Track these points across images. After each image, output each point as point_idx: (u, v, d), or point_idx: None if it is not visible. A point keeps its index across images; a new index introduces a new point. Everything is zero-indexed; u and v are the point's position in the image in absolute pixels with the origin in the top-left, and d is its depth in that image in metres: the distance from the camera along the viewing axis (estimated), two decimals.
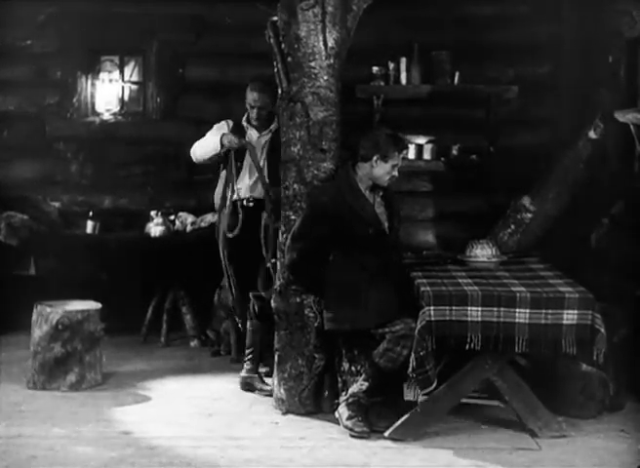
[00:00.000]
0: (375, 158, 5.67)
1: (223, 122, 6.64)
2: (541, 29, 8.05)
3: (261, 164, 6.45)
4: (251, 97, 6.53)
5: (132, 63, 8.51)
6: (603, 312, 5.38)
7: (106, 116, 8.46)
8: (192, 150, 6.63)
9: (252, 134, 6.55)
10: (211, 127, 6.72)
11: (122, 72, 8.51)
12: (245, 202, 6.46)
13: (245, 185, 6.48)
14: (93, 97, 8.48)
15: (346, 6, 5.85)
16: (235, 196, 6.46)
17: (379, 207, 5.80)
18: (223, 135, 6.42)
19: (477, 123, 7.99)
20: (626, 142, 6.85)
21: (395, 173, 5.72)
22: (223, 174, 6.55)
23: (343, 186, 5.72)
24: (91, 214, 8.06)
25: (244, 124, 6.58)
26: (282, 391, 5.97)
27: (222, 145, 6.39)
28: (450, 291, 5.41)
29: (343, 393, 5.74)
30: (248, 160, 6.45)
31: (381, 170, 5.69)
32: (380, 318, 5.55)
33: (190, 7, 8.19)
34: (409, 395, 5.60)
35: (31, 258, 7.81)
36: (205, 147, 6.52)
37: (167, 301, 7.66)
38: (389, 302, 5.60)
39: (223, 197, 6.52)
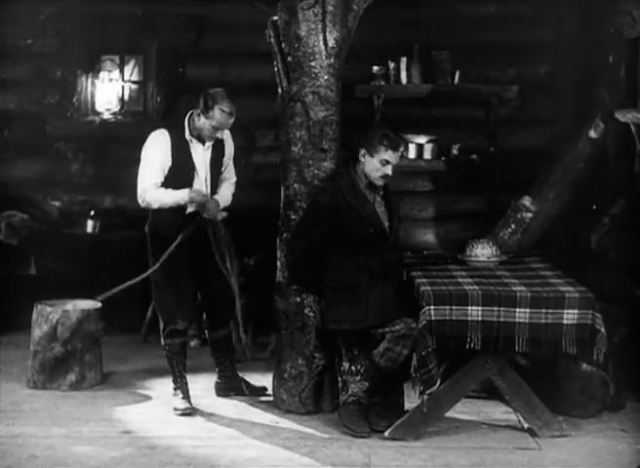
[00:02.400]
0: (362, 152, 5.67)
1: (164, 135, 5.87)
2: (542, 29, 8.05)
3: (206, 176, 5.98)
4: (223, 119, 5.79)
5: (132, 63, 8.51)
6: (603, 312, 5.38)
7: (107, 115, 8.46)
8: (158, 203, 5.88)
9: (197, 148, 5.92)
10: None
11: (122, 71, 8.51)
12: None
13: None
14: (93, 96, 8.48)
15: (347, 5, 5.86)
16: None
17: (379, 206, 5.80)
18: (192, 192, 5.86)
19: (477, 123, 7.98)
20: (626, 142, 6.85)
21: (387, 170, 5.68)
22: None
23: (344, 186, 5.71)
24: (91, 213, 8.06)
25: (188, 138, 5.88)
26: (282, 391, 5.97)
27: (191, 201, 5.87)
28: (450, 290, 5.41)
29: (343, 393, 5.73)
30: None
31: (370, 165, 5.68)
32: (380, 318, 5.54)
33: (190, 6, 8.19)
34: (411, 395, 5.59)
35: (31, 258, 7.81)
36: (175, 202, 5.88)
37: None
38: (389, 302, 5.59)
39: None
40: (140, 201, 5.95)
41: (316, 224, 5.68)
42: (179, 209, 5.91)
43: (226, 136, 6.08)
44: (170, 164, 5.88)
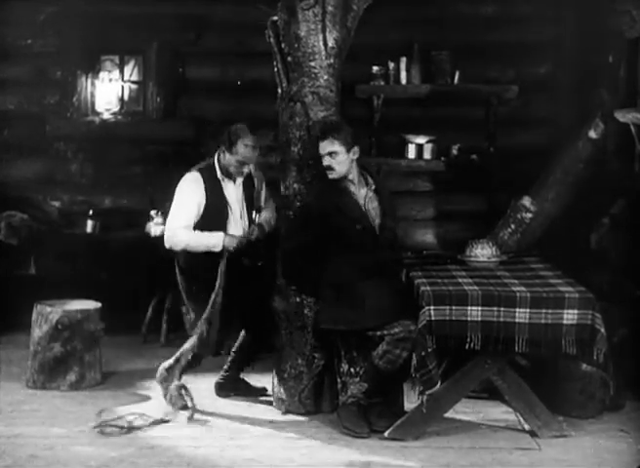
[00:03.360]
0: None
1: (197, 178, 5.99)
2: (542, 29, 8.05)
3: (241, 213, 6.11)
4: (247, 153, 5.96)
5: (132, 63, 8.51)
6: (603, 312, 5.38)
7: (106, 115, 8.46)
8: (184, 243, 5.94)
9: (229, 187, 6.06)
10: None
11: (122, 72, 8.51)
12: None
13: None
14: (93, 96, 8.48)
15: (347, 6, 5.86)
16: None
17: (371, 202, 5.77)
18: (227, 237, 5.92)
19: (477, 123, 7.99)
20: (626, 142, 6.85)
21: (325, 161, 5.66)
22: None
23: (327, 185, 5.71)
24: (91, 213, 8.05)
25: (219, 177, 6.01)
26: (282, 391, 5.97)
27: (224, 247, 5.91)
28: (450, 290, 5.41)
29: (343, 393, 5.73)
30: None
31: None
32: (377, 319, 5.51)
33: (190, 6, 8.19)
34: (412, 395, 5.59)
35: (31, 258, 7.81)
36: (204, 246, 5.93)
37: (167, 301, 7.66)
38: (386, 303, 5.56)
39: None
40: (166, 242, 6.01)
41: (303, 226, 5.68)
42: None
43: (253, 169, 6.16)
44: (204, 206, 5.96)
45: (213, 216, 5.99)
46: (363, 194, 5.76)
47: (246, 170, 6.04)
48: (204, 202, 5.98)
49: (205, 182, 5.98)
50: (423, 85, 7.89)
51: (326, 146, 5.65)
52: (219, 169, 6.04)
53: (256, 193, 6.19)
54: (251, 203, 6.16)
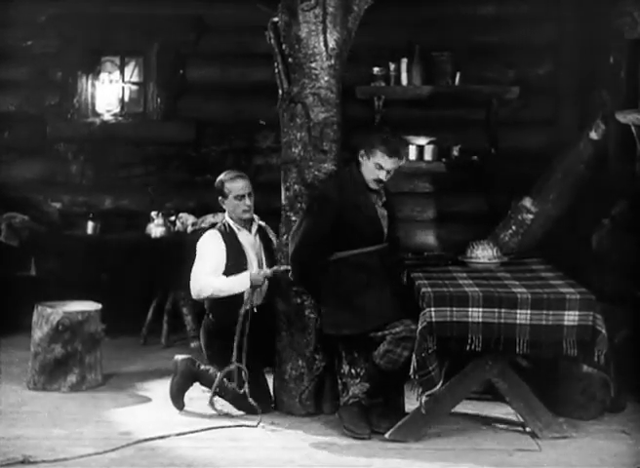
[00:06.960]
0: (361, 152, 5.64)
1: (214, 233, 5.99)
2: (542, 30, 8.06)
3: (259, 262, 6.07)
4: (237, 185, 5.99)
5: (132, 64, 8.51)
6: (604, 313, 5.38)
7: (107, 117, 8.47)
8: (211, 288, 5.83)
9: (243, 235, 6.06)
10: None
11: (122, 73, 8.52)
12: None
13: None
14: (93, 97, 8.48)
15: (347, 7, 5.86)
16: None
17: (382, 209, 5.77)
18: (252, 274, 5.84)
19: (478, 124, 7.99)
20: (627, 143, 6.85)
21: (380, 175, 5.59)
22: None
23: (347, 182, 5.68)
24: (91, 214, 8.06)
25: (235, 228, 6.02)
26: (283, 392, 5.96)
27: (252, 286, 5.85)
28: (451, 292, 5.40)
29: (344, 394, 5.73)
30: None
31: (366, 167, 5.62)
32: (378, 321, 5.51)
33: (191, 7, 8.19)
34: (412, 396, 5.58)
35: (32, 259, 7.81)
36: (232, 288, 5.83)
37: (167, 302, 7.66)
38: (387, 305, 5.56)
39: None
40: (193, 291, 5.92)
41: (324, 220, 5.59)
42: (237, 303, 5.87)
43: (257, 219, 6.14)
44: (226, 258, 5.93)
45: (232, 265, 5.91)
46: (374, 199, 5.74)
47: (243, 206, 5.97)
48: (225, 254, 5.92)
49: (223, 236, 5.95)
50: (424, 86, 7.90)
51: (391, 164, 5.59)
52: (230, 220, 6.02)
53: (273, 244, 6.10)
54: (268, 253, 6.08)
